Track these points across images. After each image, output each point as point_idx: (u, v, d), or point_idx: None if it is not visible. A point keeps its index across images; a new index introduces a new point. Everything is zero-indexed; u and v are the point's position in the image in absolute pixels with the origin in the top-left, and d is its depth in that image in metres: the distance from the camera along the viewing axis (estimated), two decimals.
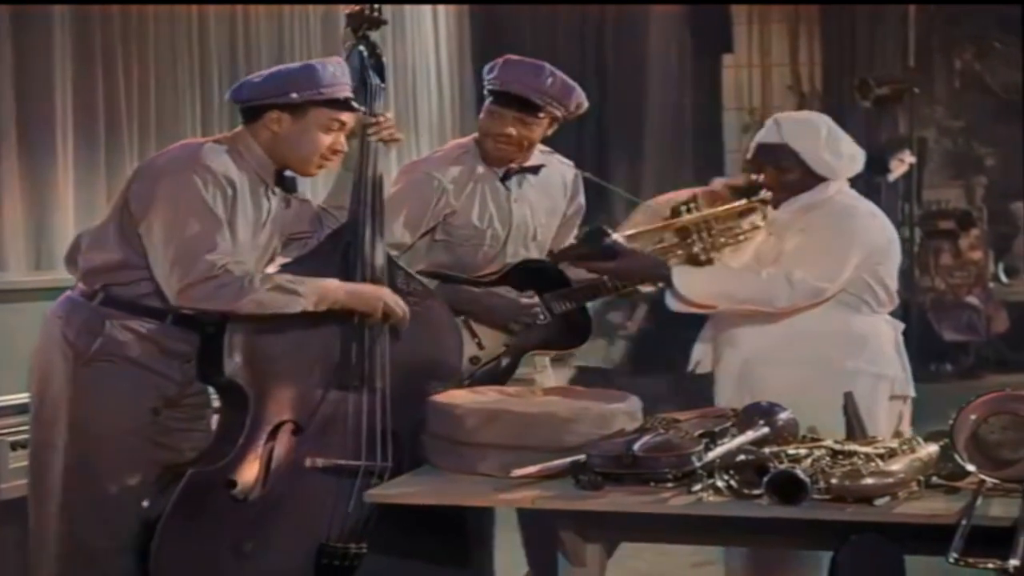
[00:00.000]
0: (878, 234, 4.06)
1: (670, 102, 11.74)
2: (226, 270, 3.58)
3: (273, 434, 3.71)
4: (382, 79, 3.97)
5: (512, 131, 4.24)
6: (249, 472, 3.68)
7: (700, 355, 4.22)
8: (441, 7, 9.95)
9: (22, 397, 4.12)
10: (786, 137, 4.06)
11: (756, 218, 4.10)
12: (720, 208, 4.08)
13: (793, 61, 11.97)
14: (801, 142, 4.05)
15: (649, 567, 5.39)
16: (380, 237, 3.85)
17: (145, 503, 3.68)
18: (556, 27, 11.36)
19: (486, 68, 4.33)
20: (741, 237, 4.08)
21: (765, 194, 4.09)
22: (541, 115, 4.23)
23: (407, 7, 8.81)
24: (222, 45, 7.25)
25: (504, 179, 4.36)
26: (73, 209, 6.24)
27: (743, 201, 4.10)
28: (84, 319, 3.69)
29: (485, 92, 4.34)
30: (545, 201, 4.44)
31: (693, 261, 4.05)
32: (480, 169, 4.34)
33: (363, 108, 3.89)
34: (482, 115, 4.34)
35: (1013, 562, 2.67)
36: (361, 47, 3.96)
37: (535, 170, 4.39)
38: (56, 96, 6.10)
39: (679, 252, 4.06)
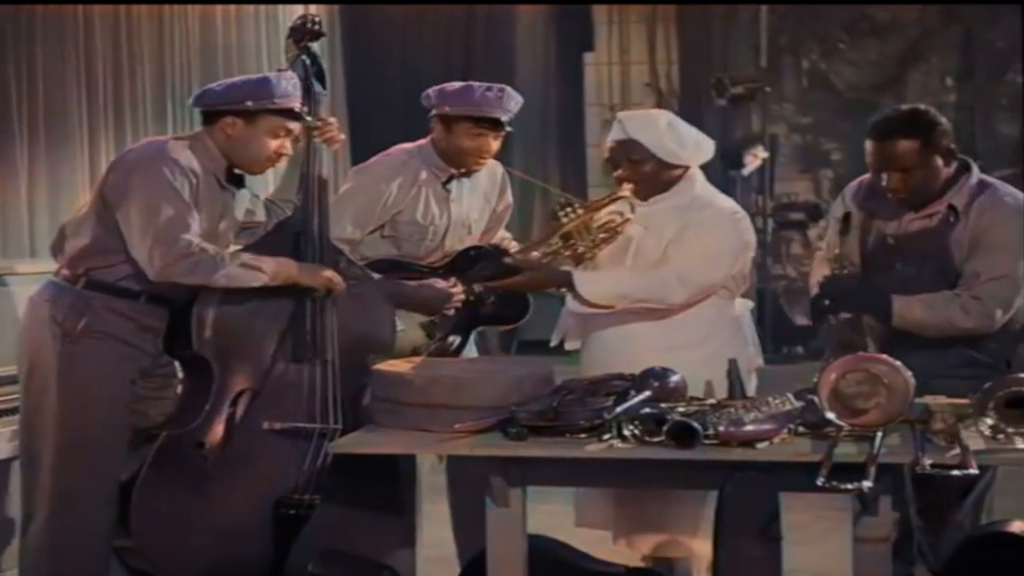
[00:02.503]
0: (749, 234, 4.42)
1: (535, 98, 12.10)
2: (201, 248, 4.05)
3: (235, 401, 4.19)
4: (323, 85, 4.42)
5: (492, 147, 4.76)
6: (215, 434, 4.17)
7: (566, 331, 4.52)
8: (312, 7, 10.30)
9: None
10: (630, 132, 4.33)
11: (626, 211, 4.36)
12: (593, 208, 4.36)
13: (651, 60, 12.04)
14: (643, 133, 4.32)
15: (538, 527, 5.82)
16: (325, 226, 4.32)
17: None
18: (424, 26, 11.69)
19: (446, 92, 4.73)
20: (618, 231, 4.37)
21: (627, 186, 4.35)
22: (502, 130, 4.74)
23: (280, 7, 9.05)
24: (106, 45, 7.54)
25: (446, 183, 4.83)
26: None
27: (609, 198, 4.38)
28: (70, 301, 4.15)
29: (448, 114, 4.70)
30: (478, 199, 4.93)
31: (579, 260, 4.37)
32: (424, 174, 4.80)
33: (307, 113, 4.32)
34: (460, 137, 4.73)
35: (867, 483, 3.27)
36: (304, 57, 4.39)
37: (469, 173, 4.87)
38: None
39: (566, 254, 4.38)
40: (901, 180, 4.21)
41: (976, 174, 4.29)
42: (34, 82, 6.98)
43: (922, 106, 4.33)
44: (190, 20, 8.46)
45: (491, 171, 5.00)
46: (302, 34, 4.42)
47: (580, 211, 4.35)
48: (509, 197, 5.08)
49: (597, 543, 4.57)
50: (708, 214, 4.36)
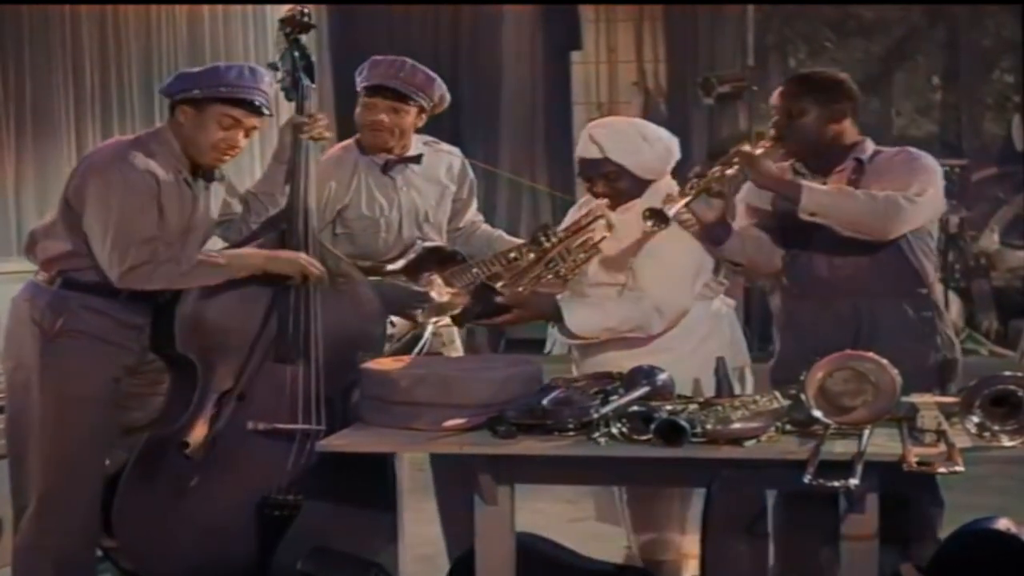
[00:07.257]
0: None
1: (523, 97, 12.06)
2: (158, 254, 4.05)
3: (219, 401, 4.19)
4: (312, 79, 4.41)
5: (384, 118, 4.73)
6: (199, 434, 4.16)
7: (557, 339, 4.58)
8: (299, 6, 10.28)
9: None
10: (607, 152, 4.25)
11: (603, 227, 4.31)
12: (573, 232, 4.30)
13: (638, 59, 12.11)
14: (621, 155, 4.24)
15: (526, 527, 5.81)
16: (313, 223, 4.32)
17: (107, 462, 4.20)
18: (411, 25, 11.68)
19: (357, 71, 4.78)
20: (597, 248, 4.30)
21: (603, 201, 4.31)
22: (409, 103, 4.73)
23: (268, 7, 9.08)
24: (93, 42, 7.55)
25: (386, 170, 4.80)
26: None
27: (587, 219, 4.31)
28: (48, 301, 4.15)
29: (359, 91, 4.76)
30: (432, 186, 4.91)
31: (563, 281, 4.33)
32: (362, 164, 4.79)
33: (267, 110, 4.27)
34: (358, 110, 4.78)
35: (853, 481, 3.29)
36: (293, 51, 4.39)
37: (416, 159, 4.85)
38: None
39: (549, 277, 4.29)
40: (782, 126, 4.35)
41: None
42: (21, 79, 6.99)
43: (830, 70, 4.52)
44: (178, 18, 8.45)
45: (447, 160, 4.99)
46: (292, 26, 4.40)
47: (560, 235, 4.32)
48: (471, 175, 5.07)
49: (585, 541, 4.57)
50: (670, 228, 4.25)
